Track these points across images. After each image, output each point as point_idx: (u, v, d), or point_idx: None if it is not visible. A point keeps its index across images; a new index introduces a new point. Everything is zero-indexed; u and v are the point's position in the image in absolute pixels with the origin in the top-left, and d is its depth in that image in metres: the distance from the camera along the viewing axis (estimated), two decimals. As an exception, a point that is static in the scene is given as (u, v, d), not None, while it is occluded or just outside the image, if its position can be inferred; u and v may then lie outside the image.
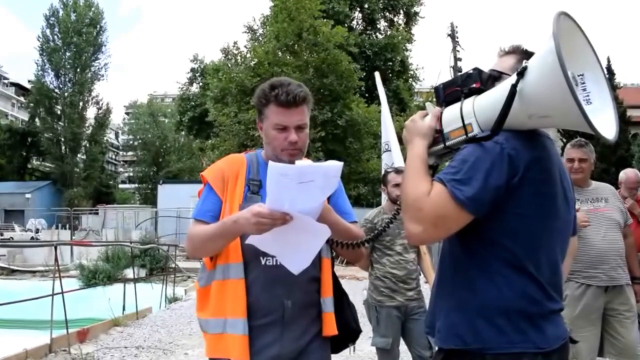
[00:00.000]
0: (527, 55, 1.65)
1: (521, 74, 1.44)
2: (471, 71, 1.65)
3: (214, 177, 2.03)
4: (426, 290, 4.05)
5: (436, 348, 1.70)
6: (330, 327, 2.04)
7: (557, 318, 1.60)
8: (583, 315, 3.56)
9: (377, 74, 6.74)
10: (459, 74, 1.72)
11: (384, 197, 4.72)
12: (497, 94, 1.52)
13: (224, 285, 1.95)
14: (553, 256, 1.61)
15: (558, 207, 1.60)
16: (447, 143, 1.64)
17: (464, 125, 1.58)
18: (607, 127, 1.43)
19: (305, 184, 1.67)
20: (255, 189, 2.00)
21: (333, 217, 1.96)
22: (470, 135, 1.57)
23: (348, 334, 2.15)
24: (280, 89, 1.92)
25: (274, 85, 1.95)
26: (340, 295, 2.16)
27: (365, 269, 4.09)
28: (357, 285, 10.27)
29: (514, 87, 1.44)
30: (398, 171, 4.06)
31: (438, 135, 1.66)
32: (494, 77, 1.65)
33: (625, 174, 5.07)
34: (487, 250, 1.55)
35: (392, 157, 5.77)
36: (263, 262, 1.95)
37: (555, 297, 1.59)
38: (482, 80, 1.62)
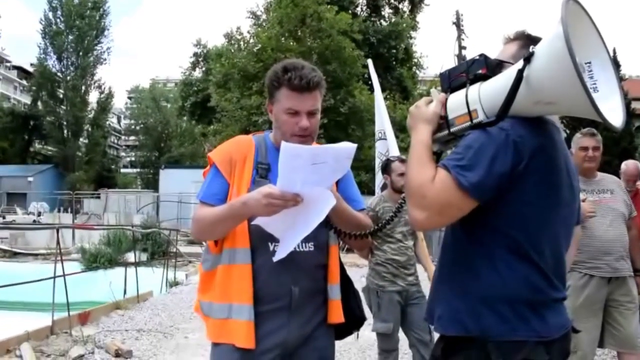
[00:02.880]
0: (531, 40, 1.63)
1: (528, 59, 1.42)
2: (477, 57, 1.63)
3: (222, 159, 1.99)
4: (422, 275, 4.08)
5: (435, 333, 1.70)
6: (336, 315, 2.03)
7: (560, 307, 1.59)
8: (585, 306, 3.57)
9: (369, 62, 6.69)
10: (465, 60, 1.71)
11: (378, 184, 4.73)
12: (503, 80, 1.50)
13: (230, 269, 1.92)
14: (557, 245, 1.60)
15: (563, 196, 1.59)
16: (452, 129, 1.62)
17: (469, 112, 1.57)
18: (614, 115, 1.41)
19: (318, 166, 1.65)
20: (263, 172, 1.96)
21: (341, 205, 1.94)
22: (475, 121, 1.55)
23: (353, 321, 2.14)
24: (294, 73, 1.88)
25: (288, 68, 1.91)
26: (346, 283, 2.14)
27: (366, 257, 4.11)
28: (357, 273, 10.28)
29: (520, 73, 1.42)
30: (402, 160, 4.06)
31: (443, 122, 1.65)
32: (500, 66, 1.64)
33: (626, 165, 5.11)
34: (490, 238, 1.54)
35: (386, 145, 5.76)
36: (271, 248, 1.92)
37: (559, 286, 1.59)
38: (488, 67, 1.60)
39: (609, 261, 3.59)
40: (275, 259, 1.86)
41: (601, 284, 3.61)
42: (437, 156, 1.67)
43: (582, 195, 3.56)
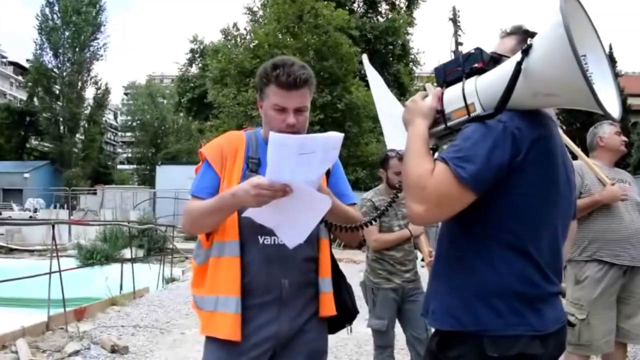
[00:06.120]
0: (529, 35, 1.63)
1: (526, 51, 1.42)
2: (473, 51, 1.62)
3: (213, 153, 2.00)
4: (421, 270, 4.07)
5: (432, 330, 1.70)
6: (327, 308, 2.03)
7: (555, 301, 1.59)
8: (602, 298, 3.54)
9: (364, 57, 6.53)
10: (461, 54, 1.70)
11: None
12: (500, 73, 1.50)
13: (218, 262, 1.93)
14: (554, 238, 1.59)
15: (560, 189, 1.59)
16: (449, 123, 1.61)
17: (467, 105, 1.56)
18: (611, 106, 1.41)
19: (306, 155, 1.65)
20: (254, 167, 1.97)
21: (332, 199, 1.94)
22: (473, 115, 1.54)
23: (345, 315, 2.14)
24: (282, 70, 1.88)
25: (277, 65, 1.91)
26: (337, 277, 2.14)
27: (358, 239, 4.04)
28: (354, 268, 10.31)
29: (519, 65, 1.42)
30: (401, 158, 4.03)
31: (439, 116, 1.64)
32: (495, 60, 1.63)
33: None
34: (486, 232, 1.53)
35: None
36: (261, 242, 1.94)
37: (554, 280, 1.58)
38: (484, 60, 1.60)
39: (630, 249, 3.56)
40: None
41: (618, 275, 3.56)
42: (432, 151, 1.66)
43: (609, 180, 3.60)
